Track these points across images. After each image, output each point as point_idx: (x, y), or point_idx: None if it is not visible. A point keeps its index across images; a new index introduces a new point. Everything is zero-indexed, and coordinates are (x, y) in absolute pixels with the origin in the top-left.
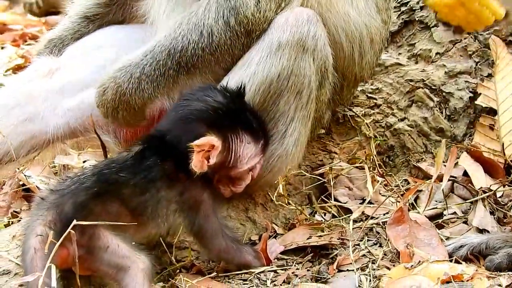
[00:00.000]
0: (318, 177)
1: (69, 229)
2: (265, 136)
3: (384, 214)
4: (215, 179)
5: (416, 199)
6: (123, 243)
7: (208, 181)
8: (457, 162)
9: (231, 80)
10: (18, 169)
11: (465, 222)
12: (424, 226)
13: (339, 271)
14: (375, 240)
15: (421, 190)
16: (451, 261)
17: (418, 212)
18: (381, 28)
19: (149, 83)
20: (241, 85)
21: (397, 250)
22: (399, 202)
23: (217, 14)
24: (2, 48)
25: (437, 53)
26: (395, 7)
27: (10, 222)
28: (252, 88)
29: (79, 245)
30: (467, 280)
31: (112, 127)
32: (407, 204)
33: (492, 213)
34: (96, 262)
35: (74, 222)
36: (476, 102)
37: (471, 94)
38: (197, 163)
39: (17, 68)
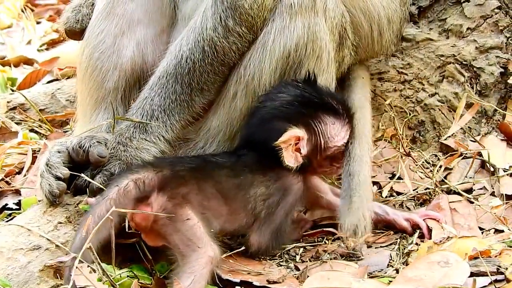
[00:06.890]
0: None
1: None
2: (347, 111)
3: (414, 190)
4: (316, 165)
5: (447, 175)
6: (202, 226)
7: (301, 174)
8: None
9: (252, 64)
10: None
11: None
12: (462, 214)
13: (368, 247)
14: None
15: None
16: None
17: (450, 188)
18: (399, 9)
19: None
20: (309, 74)
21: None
22: (428, 178)
23: (215, 21)
24: (38, 23)
25: (468, 28)
26: None
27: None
28: (272, 65)
29: (164, 207)
30: (495, 256)
31: None
32: (438, 180)
33: None
34: (171, 229)
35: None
36: (509, 81)
37: (502, 70)
38: (289, 158)
39: (52, 43)
